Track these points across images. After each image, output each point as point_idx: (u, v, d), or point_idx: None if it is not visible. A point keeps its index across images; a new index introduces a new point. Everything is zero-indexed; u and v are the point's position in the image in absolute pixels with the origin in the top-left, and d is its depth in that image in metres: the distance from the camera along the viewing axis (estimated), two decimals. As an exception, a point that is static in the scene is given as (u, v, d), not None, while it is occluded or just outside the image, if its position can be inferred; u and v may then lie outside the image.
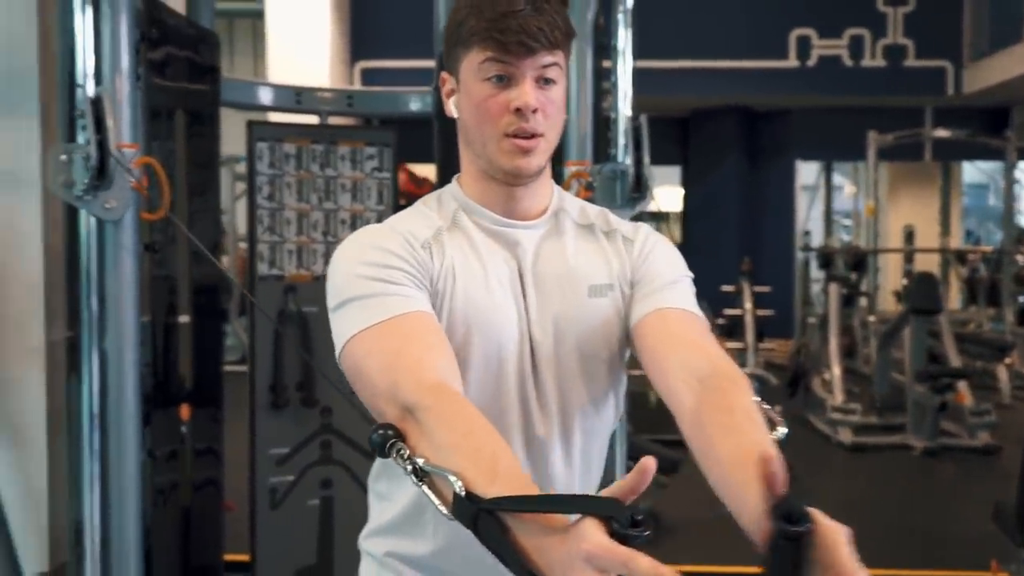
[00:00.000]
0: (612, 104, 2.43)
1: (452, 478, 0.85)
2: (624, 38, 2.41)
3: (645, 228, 1.30)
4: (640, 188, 2.32)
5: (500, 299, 1.17)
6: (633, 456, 3.94)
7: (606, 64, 2.58)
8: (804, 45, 9.07)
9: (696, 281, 1.28)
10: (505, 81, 1.13)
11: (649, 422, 5.95)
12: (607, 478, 2.50)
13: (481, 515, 0.81)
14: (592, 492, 1.28)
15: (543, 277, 1.20)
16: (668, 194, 12.26)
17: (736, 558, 3.68)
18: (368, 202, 2.98)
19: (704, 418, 1.03)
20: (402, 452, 0.92)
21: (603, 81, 2.57)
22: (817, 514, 0.80)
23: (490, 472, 0.85)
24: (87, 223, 2.04)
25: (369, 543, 1.26)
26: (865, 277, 8.78)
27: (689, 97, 9.50)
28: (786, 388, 6.45)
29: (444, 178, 2.88)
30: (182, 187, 2.47)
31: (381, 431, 0.92)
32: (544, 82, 1.15)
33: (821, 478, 5.26)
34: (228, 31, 11.49)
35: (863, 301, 8.69)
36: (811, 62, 9.09)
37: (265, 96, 2.78)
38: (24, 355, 2.61)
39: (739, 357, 8.62)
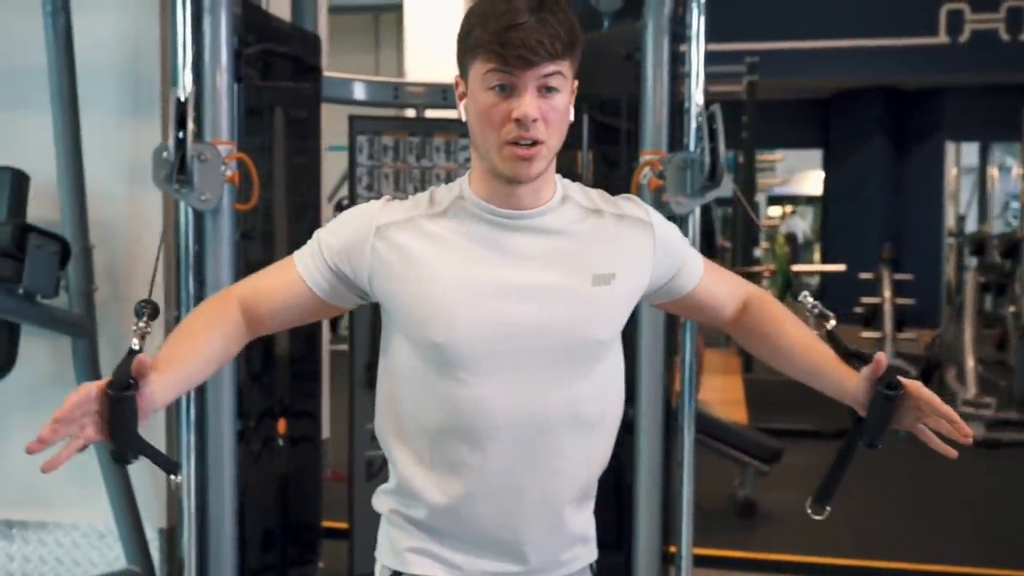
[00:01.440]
0: (685, 92, 2.44)
1: (135, 339, 1.22)
2: (697, 25, 2.42)
3: (645, 205, 1.38)
4: (714, 177, 2.33)
5: (476, 283, 1.24)
6: (724, 441, 3.93)
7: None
8: (955, 20, 8.60)
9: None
10: (507, 91, 1.19)
11: (761, 411, 5.87)
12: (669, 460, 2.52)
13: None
14: (590, 459, 1.34)
15: (543, 264, 1.26)
16: (809, 178, 11.89)
17: (831, 549, 3.63)
18: (461, 191, 3.11)
19: (766, 330, 1.44)
20: (140, 319, 1.27)
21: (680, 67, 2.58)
22: (907, 382, 1.28)
23: (169, 345, 1.25)
24: (185, 213, 2.25)
25: (377, 500, 1.38)
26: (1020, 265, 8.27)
27: (831, 78, 9.19)
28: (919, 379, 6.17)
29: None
30: (281, 179, 2.67)
31: (139, 302, 1.31)
32: (546, 90, 1.20)
33: (948, 473, 5.05)
34: (374, 25, 11.92)
35: (1018, 290, 8.19)
36: (963, 37, 8.61)
37: (364, 92, 2.95)
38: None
39: (875, 347, 8.31)
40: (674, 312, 1.54)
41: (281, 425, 2.69)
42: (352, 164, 3.01)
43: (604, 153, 2.76)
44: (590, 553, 1.40)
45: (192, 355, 1.25)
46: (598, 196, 1.36)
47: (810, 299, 1.49)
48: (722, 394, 6.71)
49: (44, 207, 2.74)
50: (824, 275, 10.05)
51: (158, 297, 2.87)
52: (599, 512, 2.81)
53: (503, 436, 1.25)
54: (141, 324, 1.28)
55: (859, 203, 9.84)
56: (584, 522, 1.38)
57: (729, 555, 3.50)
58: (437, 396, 1.26)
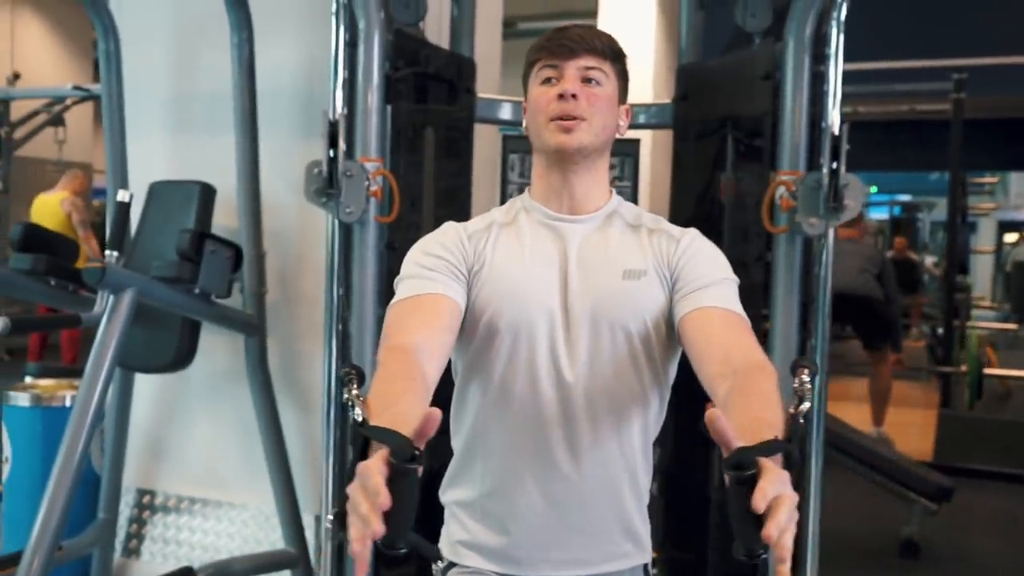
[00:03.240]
0: (822, 112, 2.40)
1: (357, 409, 1.09)
2: (836, 43, 2.38)
3: (693, 232, 1.44)
4: (836, 199, 2.28)
5: (536, 277, 1.37)
6: (888, 475, 3.73)
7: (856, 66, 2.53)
8: None
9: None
10: (553, 81, 1.37)
11: (953, 449, 5.48)
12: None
13: (357, 435, 1.05)
14: (626, 451, 1.39)
15: (584, 261, 1.39)
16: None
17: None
18: (608, 209, 3.16)
19: (729, 402, 1.15)
20: (349, 387, 1.16)
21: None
22: (764, 462, 0.93)
23: (381, 411, 1.07)
24: (332, 224, 2.45)
25: (443, 495, 1.48)
26: None
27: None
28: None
29: (678, 188, 2.99)
30: (431, 195, 2.84)
31: (343, 370, 1.20)
32: (587, 81, 1.36)
33: None
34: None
35: None
36: None
37: (512, 112, 3.07)
38: (312, 332, 3.12)
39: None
40: (688, 353, 1.34)
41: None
42: (504, 181, 3.15)
43: (745, 173, 2.74)
44: (643, 555, 1.45)
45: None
46: (650, 217, 1.47)
47: (805, 377, 1.20)
48: (913, 429, 6.34)
49: (227, 216, 3.05)
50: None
51: (314, 299, 3.13)
52: (729, 543, 2.77)
53: (547, 420, 1.35)
54: (354, 392, 1.14)
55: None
56: (634, 519, 1.42)
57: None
58: (491, 377, 1.38)
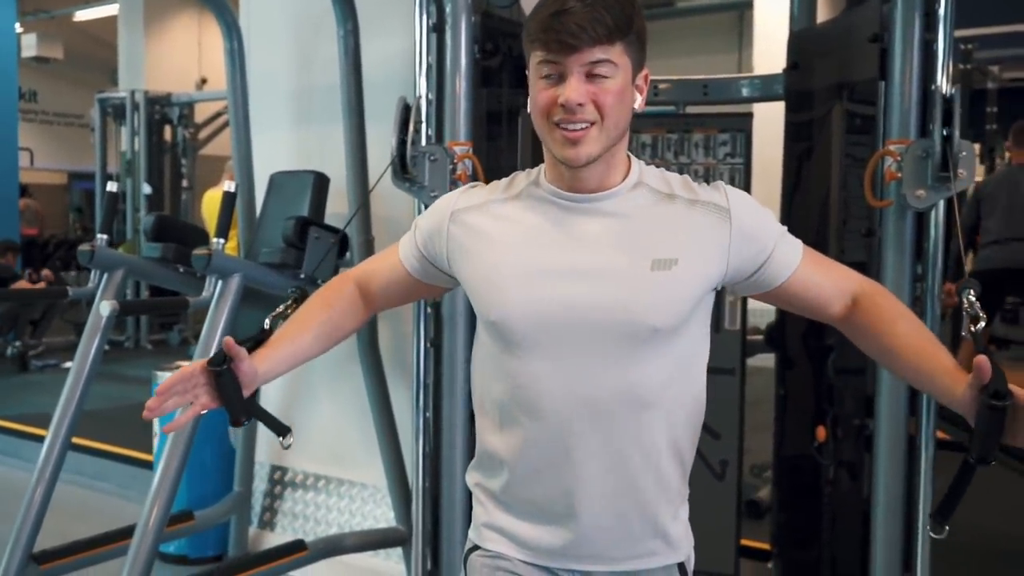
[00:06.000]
0: (931, 76, 2.21)
1: (267, 321, 1.49)
2: (946, 3, 2.18)
3: (731, 190, 1.33)
4: (947, 168, 2.09)
5: (534, 262, 1.29)
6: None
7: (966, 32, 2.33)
8: None
9: None
10: (555, 78, 1.25)
11: None
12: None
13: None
14: (648, 449, 1.32)
15: (604, 249, 1.28)
16: None
17: None
18: (720, 188, 3.04)
19: (877, 330, 1.35)
20: (289, 304, 1.52)
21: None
22: (1017, 390, 1.18)
23: (288, 324, 1.45)
24: (417, 209, 2.48)
25: (468, 476, 1.47)
26: None
27: None
28: None
29: (791, 161, 2.84)
30: (527, 177, 2.82)
31: (291, 289, 1.51)
32: (595, 76, 1.23)
33: None
34: (738, 23, 11.80)
35: None
36: None
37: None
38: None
39: None
40: (774, 304, 1.45)
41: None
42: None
43: (859, 143, 2.56)
44: (675, 554, 1.38)
45: (300, 332, 1.43)
46: (679, 182, 1.35)
47: (972, 296, 1.44)
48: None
49: (343, 204, 3.15)
50: None
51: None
52: (840, 540, 2.59)
53: (558, 412, 1.29)
54: (279, 308, 1.48)
55: None
56: (661, 517, 1.35)
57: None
58: (501, 369, 1.33)
